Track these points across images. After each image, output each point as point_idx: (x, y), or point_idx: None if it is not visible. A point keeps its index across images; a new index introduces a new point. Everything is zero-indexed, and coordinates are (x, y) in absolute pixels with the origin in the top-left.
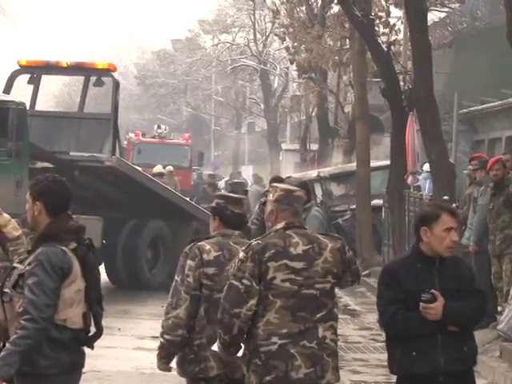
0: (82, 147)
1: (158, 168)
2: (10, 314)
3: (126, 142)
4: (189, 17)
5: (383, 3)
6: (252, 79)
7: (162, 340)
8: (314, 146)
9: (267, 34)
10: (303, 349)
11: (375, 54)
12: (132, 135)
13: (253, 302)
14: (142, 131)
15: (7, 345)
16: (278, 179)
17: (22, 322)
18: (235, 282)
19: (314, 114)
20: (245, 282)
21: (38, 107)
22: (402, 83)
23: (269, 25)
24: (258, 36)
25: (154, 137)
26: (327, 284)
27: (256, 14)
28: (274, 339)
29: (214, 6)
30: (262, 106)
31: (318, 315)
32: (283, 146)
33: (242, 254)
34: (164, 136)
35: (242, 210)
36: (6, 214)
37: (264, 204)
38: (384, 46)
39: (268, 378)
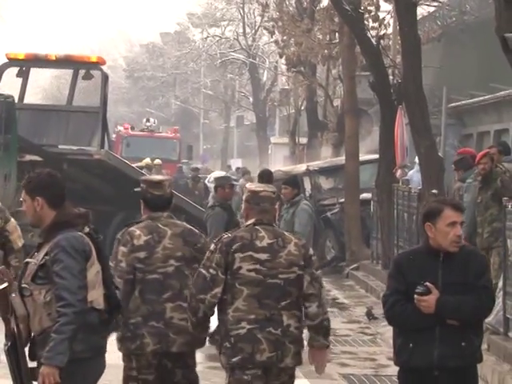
0: (71, 140)
1: (147, 161)
2: (31, 308)
3: (114, 136)
4: (178, 10)
5: None
6: (241, 73)
7: None
8: (303, 140)
9: (256, 27)
10: (269, 335)
11: (364, 48)
12: (121, 128)
13: (217, 289)
14: (130, 124)
15: (52, 335)
16: (266, 173)
17: (60, 308)
18: (203, 271)
19: (303, 108)
20: (211, 271)
21: (26, 100)
22: (391, 77)
23: (258, 18)
24: (248, 30)
25: (142, 130)
26: (292, 274)
27: (245, 8)
28: (243, 324)
29: None
30: (251, 99)
31: (283, 303)
32: (272, 140)
33: (212, 246)
34: (153, 129)
35: (163, 191)
36: (13, 220)
37: None
38: (373, 40)
39: (235, 360)
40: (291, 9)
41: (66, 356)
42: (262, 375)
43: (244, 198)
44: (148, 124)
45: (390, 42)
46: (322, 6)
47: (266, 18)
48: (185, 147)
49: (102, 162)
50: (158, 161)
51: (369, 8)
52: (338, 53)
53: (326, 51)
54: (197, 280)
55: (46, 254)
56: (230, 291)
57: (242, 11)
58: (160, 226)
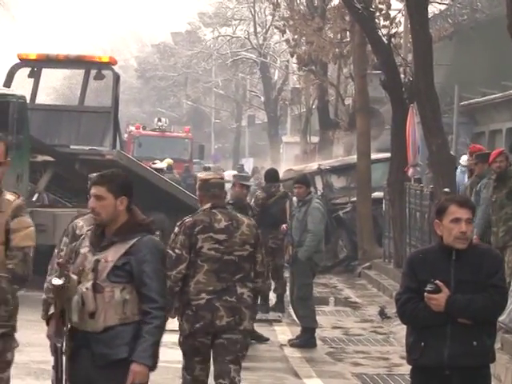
0: (83, 140)
1: (168, 161)
2: (101, 304)
3: (126, 135)
4: (189, 10)
5: None
6: (252, 72)
7: (43, 297)
8: (315, 139)
9: (267, 26)
10: (225, 302)
11: (376, 47)
12: (132, 128)
13: (182, 266)
14: (142, 124)
15: (146, 336)
16: (271, 172)
17: (153, 310)
18: (169, 251)
19: (314, 107)
20: (176, 251)
21: (38, 101)
22: (402, 75)
23: (269, 17)
24: (259, 29)
25: (154, 130)
26: (245, 252)
27: (256, 7)
28: (203, 295)
29: None
30: (263, 98)
31: (237, 276)
32: (284, 139)
33: (176, 229)
34: (164, 129)
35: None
36: (27, 220)
37: (256, 197)
38: (384, 39)
39: (197, 325)
40: (302, 7)
41: (157, 359)
42: (209, 343)
43: (197, 186)
44: (159, 124)
45: (402, 41)
46: (332, 4)
47: (276, 17)
48: (196, 147)
49: (113, 162)
50: (169, 160)
51: (380, 6)
52: (349, 51)
53: (337, 50)
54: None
55: (126, 254)
56: (193, 267)
57: (252, 10)
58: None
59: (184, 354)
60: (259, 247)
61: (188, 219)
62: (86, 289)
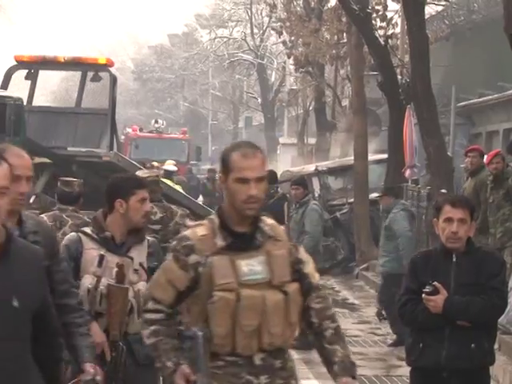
0: (80, 142)
1: (170, 161)
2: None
3: (123, 137)
4: (185, 11)
5: None
6: (249, 73)
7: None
8: (312, 140)
9: (264, 28)
10: None
11: (372, 48)
12: (129, 130)
13: None
14: (139, 126)
15: None
16: (269, 173)
17: None
18: None
19: (311, 108)
20: None
21: (35, 103)
22: (399, 77)
23: (266, 19)
24: (255, 30)
25: (151, 132)
26: None
27: (253, 8)
28: None
29: (211, 0)
30: (260, 100)
31: None
32: (281, 140)
33: None
34: (161, 131)
35: (72, 189)
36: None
37: None
38: (381, 40)
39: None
40: (299, 9)
41: None
42: None
43: None
44: (156, 126)
45: (398, 42)
46: (329, 5)
47: (273, 19)
48: (193, 148)
49: (111, 163)
50: (170, 161)
51: (376, 7)
52: (345, 53)
53: (333, 51)
54: None
55: (150, 255)
56: None
57: (249, 12)
58: (64, 216)
59: None
60: None
61: None
62: (139, 290)
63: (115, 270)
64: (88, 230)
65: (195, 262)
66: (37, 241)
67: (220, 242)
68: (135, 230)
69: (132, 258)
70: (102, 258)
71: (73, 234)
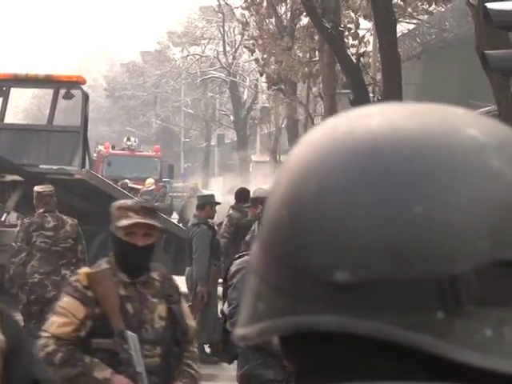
0: (52, 160)
1: (150, 181)
2: None
3: (95, 155)
4: (158, 29)
5: (352, 15)
6: (221, 91)
7: None
8: (285, 158)
9: (237, 45)
10: (53, 281)
11: (344, 66)
12: (101, 147)
13: (22, 255)
14: (111, 143)
15: None
16: (244, 191)
17: None
18: (13, 244)
19: (283, 126)
20: (18, 243)
21: (6, 120)
22: (371, 94)
23: (238, 37)
24: (228, 48)
25: (123, 149)
26: (68, 244)
27: (225, 26)
28: (36, 275)
29: (183, 18)
30: (232, 117)
31: (61, 262)
32: (253, 158)
33: (18, 227)
34: (134, 148)
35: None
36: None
37: (231, 217)
38: (353, 58)
39: (32, 297)
40: (271, 27)
41: None
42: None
43: (34, 196)
44: (129, 143)
45: (370, 60)
46: (301, 24)
47: (246, 37)
48: (166, 166)
49: (83, 181)
50: (150, 180)
51: (348, 26)
52: (318, 71)
53: (306, 69)
54: (10, 250)
55: None
56: (30, 255)
57: (222, 30)
58: None
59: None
60: (79, 240)
61: (27, 221)
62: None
63: None
64: None
65: None
66: None
67: None
68: None
69: None
70: None
71: None
